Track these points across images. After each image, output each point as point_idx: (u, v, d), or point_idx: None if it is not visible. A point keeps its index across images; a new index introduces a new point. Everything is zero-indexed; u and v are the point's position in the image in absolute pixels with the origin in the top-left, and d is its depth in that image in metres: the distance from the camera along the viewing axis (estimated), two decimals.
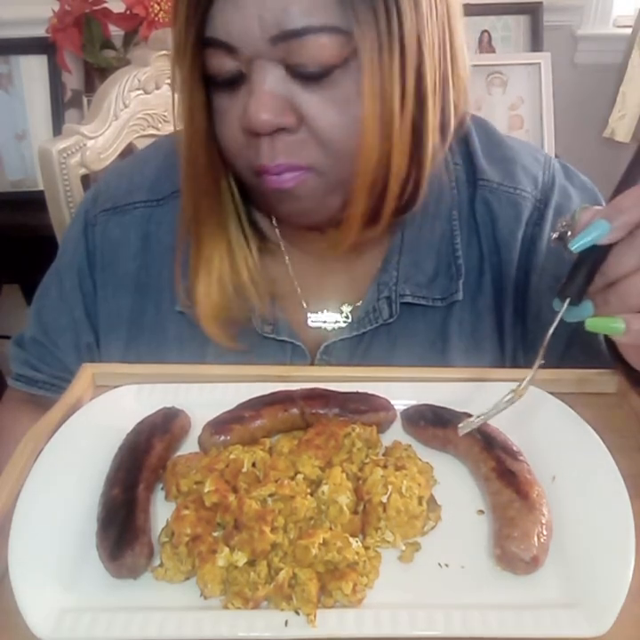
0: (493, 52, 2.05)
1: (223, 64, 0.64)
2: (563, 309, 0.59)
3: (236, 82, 0.64)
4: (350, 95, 0.63)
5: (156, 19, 1.77)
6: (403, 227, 0.78)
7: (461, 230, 0.78)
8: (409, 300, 0.77)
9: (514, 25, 2.05)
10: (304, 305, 0.81)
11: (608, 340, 0.66)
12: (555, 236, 0.60)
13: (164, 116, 1.28)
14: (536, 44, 2.05)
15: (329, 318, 0.80)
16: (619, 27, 2.12)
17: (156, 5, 1.76)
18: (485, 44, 2.05)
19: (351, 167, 0.65)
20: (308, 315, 0.80)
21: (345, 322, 0.80)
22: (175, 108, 0.70)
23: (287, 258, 0.81)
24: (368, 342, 0.78)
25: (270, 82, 0.63)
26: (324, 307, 0.81)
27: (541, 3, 2.04)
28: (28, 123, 1.98)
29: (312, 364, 0.79)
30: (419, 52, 0.63)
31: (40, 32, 1.84)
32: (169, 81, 1.26)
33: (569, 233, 0.59)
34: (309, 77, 0.63)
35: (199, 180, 0.72)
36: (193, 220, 0.74)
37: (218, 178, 0.72)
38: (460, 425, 0.58)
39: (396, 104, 0.64)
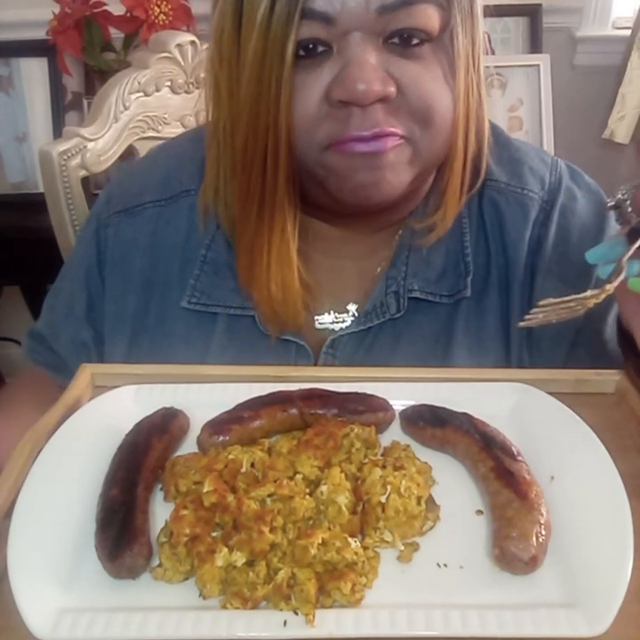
0: (493, 53, 2.06)
1: (312, 37, 0.63)
2: (632, 249, 0.59)
3: (320, 55, 0.64)
4: (440, 69, 0.67)
5: (156, 21, 1.77)
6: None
7: (470, 229, 0.79)
8: (417, 295, 0.77)
9: (513, 27, 2.06)
10: (311, 306, 0.80)
11: (621, 332, 0.67)
12: (611, 203, 0.61)
13: (164, 118, 1.28)
14: (535, 45, 2.05)
15: (335, 319, 0.81)
16: (618, 28, 2.12)
17: (156, 8, 1.77)
18: (484, 45, 2.06)
19: (437, 141, 0.69)
20: (315, 317, 0.81)
21: (351, 319, 0.80)
22: (211, 96, 0.71)
23: (299, 260, 0.80)
24: (374, 337, 0.79)
25: (370, 52, 0.63)
26: (330, 307, 0.81)
27: (540, 4, 2.04)
28: (29, 125, 1.98)
29: (317, 358, 0.79)
30: (478, 32, 0.69)
31: (40, 34, 1.84)
32: (169, 83, 1.28)
33: (628, 201, 0.60)
34: (406, 48, 0.65)
35: (260, 173, 0.69)
36: (243, 221, 0.73)
37: (278, 172, 0.68)
38: (527, 317, 0.60)
39: (471, 77, 0.69)
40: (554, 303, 0.59)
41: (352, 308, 0.81)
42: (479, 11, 0.69)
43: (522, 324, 0.61)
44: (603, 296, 0.59)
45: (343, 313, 0.81)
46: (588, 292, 0.59)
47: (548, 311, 0.59)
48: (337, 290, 0.81)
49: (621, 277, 0.59)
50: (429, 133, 0.67)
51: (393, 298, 0.78)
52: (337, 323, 0.80)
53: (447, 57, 0.67)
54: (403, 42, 0.65)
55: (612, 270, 0.60)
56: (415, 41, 0.65)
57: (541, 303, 0.59)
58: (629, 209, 0.59)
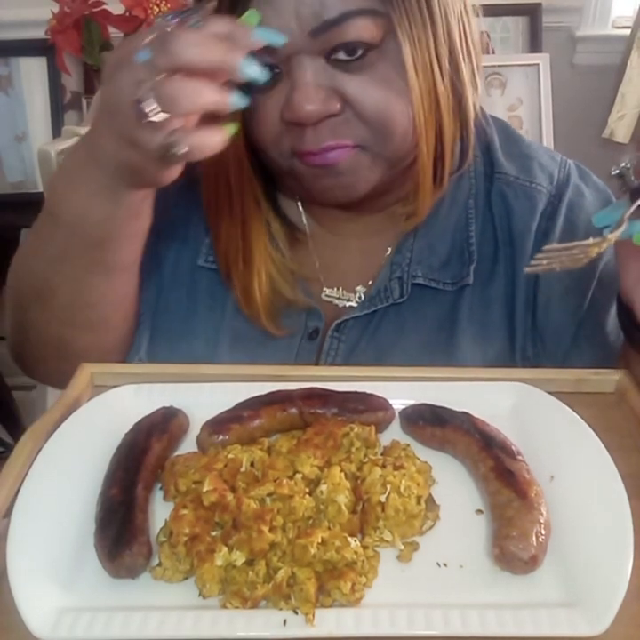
0: (492, 53, 2.06)
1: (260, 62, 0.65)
2: (634, 205, 0.61)
3: (276, 76, 0.67)
4: (390, 73, 0.67)
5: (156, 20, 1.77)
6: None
7: (476, 220, 0.81)
8: (420, 281, 0.79)
9: (513, 26, 2.06)
10: (321, 279, 0.83)
11: (621, 307, 0.68)
12: (615, 172, 0.62)
13: None
14: (535, 45, 2.05)
15: (342, 295, 0.83)
16: (617, 28, 2.13)
17: (155, 7, 1.76)
18: (484, 45, 2.06)
19: (395, 142, 0.70)
20: (324, 289, 0.83)
21: (357, 302, 0.82)
22: None
23: (308, 233, 0.84)
24: (378, 322, 0.81)
25: (312, 74, 0.66)
26: (339, 284, 0.83)
27: (540, 4, 2.04)
28: (28, 124, 1.98)
29: (324, 338, 0.81)
30: (445, 19, 0.68)
31: (39, 34, 1.84)
32: None
33: (631, 169, 0.61)
34: (349, 62, 0.66)
35: (228, 181, 0.75)
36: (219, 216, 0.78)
37: (243, 175, 0.75)
38: (532, 262, 0.62)
39: (436, 72, 0.68)
40: (558, 249, 0.61)
41: (360, 289, 0.83)
42: (440, 3, 0.68)
43: (528, 269, 0.63)
44: (605, 245, 0.61)
45: (351, 292, 0.83)
46: (591, 240, 0.61)
47: (552, 258, 0.61)
48: (343, 268, 0.83)
49: (622, 229, 0.60)
50: (385, 138, 0.69)
51: (397, 283, 0.80)
52: (342, 299, 0.83)
53: (396, 61, 0.67)
54: (347, 54, 0.66)
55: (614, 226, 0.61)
56: (359, 52, 0.66)
57: (546, 248, 0.61)
58: (633, 177, 0.61)
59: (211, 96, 0.56)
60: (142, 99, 0.55)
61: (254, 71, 0.57)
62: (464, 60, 0.72)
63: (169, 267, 0.84)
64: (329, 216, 0.83)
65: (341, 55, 0.66)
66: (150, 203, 0.71)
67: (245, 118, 0.70)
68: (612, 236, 0.60)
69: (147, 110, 0.55)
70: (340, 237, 0.84)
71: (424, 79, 0.68)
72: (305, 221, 0.84)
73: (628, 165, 0.61)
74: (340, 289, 0.83)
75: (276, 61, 0.67)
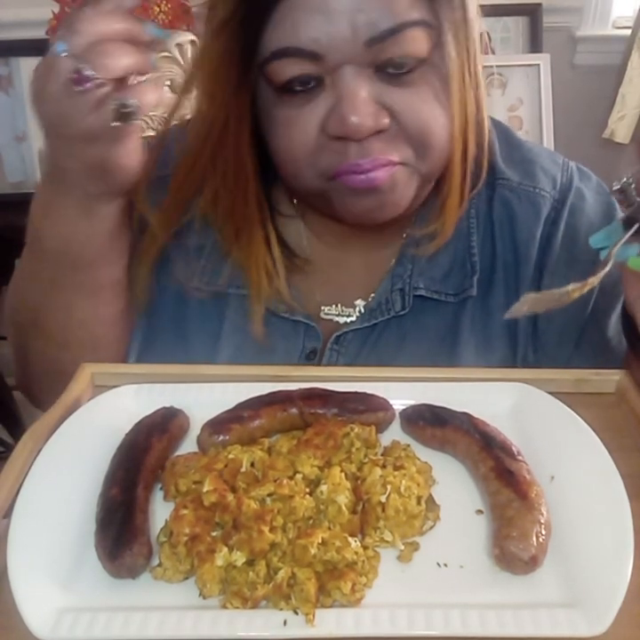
0: (492, 53, 2.06)
1: (300, 73, 0.64)
2: (628, 234, 0.60)
3: (315, 88, 0.65)
4: (436, 88, 0.66)
5: (156, 20, 1.77)
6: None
7: (478, 229, 0.80)
8: (422, 293, 0.78)
9: (513, 26, 2.06)
10: (319, 299, 0.82)
11: (625, 318, 0.68)
12: (617, 187, 0.62)
13: (164, 118, 1.27)
14: (535, 45, 2.05)
15: (341, 311, 0.82)
16: (618, 28, 2.13)
17: (155, 7, 1.77)
18: (484, 45, 2.06)
19: (435, 160, 0.69)
20: (322, 307, 0.82)
21: (357, 315, 0.81)
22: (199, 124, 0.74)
23: (309, 253, 0.82)
24: (379, 334, 0.80)
25: (362, 86, 0.64)
26: (338, 300, 0.82)
27: (540, 4, 2.04)
28: (28, 124, 1.98)
29: (322, 353, 0.80)
30: (473, 29, 0.68)
31: (40, 34, 1.84)
32: (169, 83, 1.28)
33: (633, 185, 0.61)
34: (398, 76, 0.65)
35: (240, 201, 0.74)
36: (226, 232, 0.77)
37: (252, 194, 0.74)
38: (513, 308, 0.61)
39: (468, 86, 0.68)
40: (538, 299, 0.60)
41: (359, 303, 0.81)
42: (473, 15, 0.68)
43: (507, 315, 0.62)
44: (586, 288, 0.60)
45: (350, 307, 0.82)
46: (570, 286, 0.60)
47: (533, 305, 0.60)
48: (344, 283, 0.82)
49: (606, 270, 0.60)
50: (427, 156, 0.68)
51: (398, 295, 0.78)
52: (342, 316, 0.81)
53: (440, 75, 0.66)
54: (395, 69, 0.64)
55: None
56: (407, 66, 0.64)
57: (523, 299, 0.61)
58: (634, 193, 0.60)
59: (133, 52, 0.59)
60: (78, 72, 0.57)
61: (153, 29, 0.61)
62: (483, 78, 0.72)
63: (161, 292, 0.82)
64: (333, 232, 0.81)
65: (390, 68, 0.64)
66: (127, 218, 0.72)
67: (272, 139, 0.69)
68: (594, 279, 0.59)
69: (85, 74, 0.57)
70: (343, 252, 0.82)
71: (460, 94, 0.67)
72: (305, 241, 0.82)
73: (631, 180, 0.61)
74: (339, 305, 0.82)
75: (321, 72, 0.64)
